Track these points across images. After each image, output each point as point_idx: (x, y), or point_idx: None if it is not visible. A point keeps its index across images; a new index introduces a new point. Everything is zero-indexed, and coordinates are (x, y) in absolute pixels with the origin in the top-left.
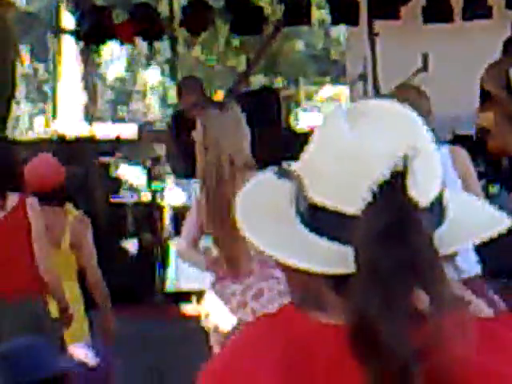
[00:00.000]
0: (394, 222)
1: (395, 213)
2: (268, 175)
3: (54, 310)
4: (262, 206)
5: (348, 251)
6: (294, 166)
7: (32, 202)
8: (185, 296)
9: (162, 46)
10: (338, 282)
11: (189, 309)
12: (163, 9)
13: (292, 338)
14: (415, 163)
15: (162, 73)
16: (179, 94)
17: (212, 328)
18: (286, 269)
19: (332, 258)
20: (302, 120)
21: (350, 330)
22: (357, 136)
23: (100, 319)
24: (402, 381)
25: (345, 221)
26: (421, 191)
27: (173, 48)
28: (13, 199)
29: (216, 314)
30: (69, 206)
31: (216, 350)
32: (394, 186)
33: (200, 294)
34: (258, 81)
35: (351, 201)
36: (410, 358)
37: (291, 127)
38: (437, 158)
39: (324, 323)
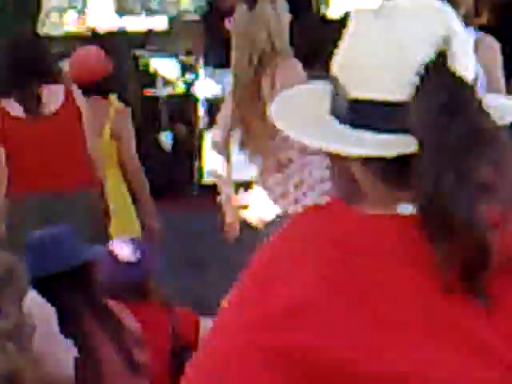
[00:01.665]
0: (449, 99)
1: (448, 90)
2: (304, 85)
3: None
4: (301, 108)
5: (399, 139)
6: (332, 72)
7: (78, 92)
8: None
9: None
10: (387, 169)
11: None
12: None
13: (341, 232)
14: (453, 44)
15: None
16: None
17: (254, 219)
18: (333, 162)
19: (381, 146)
20: (333, 5)
21: (423, 211)
22: (391, 27)
23: (141, 214)
24: (480, 255)
25: (395, 109)
26: (463, 69)
27: None
28: (58, 91)
29: (259, 204)
30: (112, 97)
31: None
32: (440, 66)
33: (238, 185)
34: None
35: (397, 89)
36: (487, 232)
37: (321, 13)
38: (470, 40)
39: (373, 214)
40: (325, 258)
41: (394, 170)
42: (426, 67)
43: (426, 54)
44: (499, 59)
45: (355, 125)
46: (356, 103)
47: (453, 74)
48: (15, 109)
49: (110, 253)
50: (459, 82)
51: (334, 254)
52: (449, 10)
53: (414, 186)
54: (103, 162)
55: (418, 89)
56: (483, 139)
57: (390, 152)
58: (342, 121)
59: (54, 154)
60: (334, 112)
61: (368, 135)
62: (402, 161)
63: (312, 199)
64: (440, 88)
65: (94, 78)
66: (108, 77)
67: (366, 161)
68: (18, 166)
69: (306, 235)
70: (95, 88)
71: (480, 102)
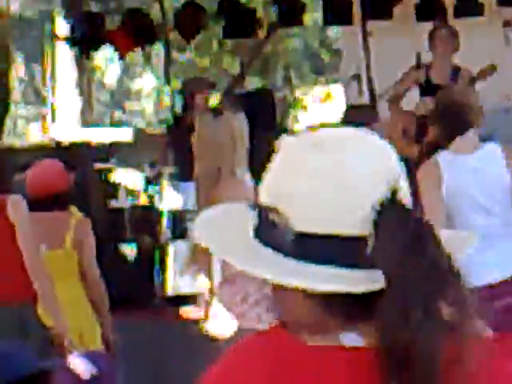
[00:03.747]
0: (411, 238)
1: (409, 227)
2: (239, 206)
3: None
4: (233, 234)
5: (348, 273)
6: (266, 200)
7: (14, 201)
8: (184, 299)
9: (156, 49)
10: (332, 302)
11: (188, 312)
12: (156, 13)
13: (281, 360)
14: (400, 180)
15: (157, 76)
16: (188, 93)
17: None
18: (280, 292)
19: (345, 281)
20: (298, 121)
21: (382, 348)
22: (340, 166)
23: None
24: None
25: (354, 244)
26: (410, 205)
27: (167, 52)
28: None
29: (218, 319)
30: (73, 209)
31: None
32: (395, 203)
33: (198, 297)
34: (252, 82)
35: (351, 224)
36: (439, 370)
37: (287, 129)
38: (404, 174)
39: (316, 345)
40: None
41: (341, 304)
42: (382, 204)
43: (380, 192)
44: None
45: (300, 258)
46: (305, 237)
47: (407, 212)
48: None
49: (67, 367)
50: (416, 218)
51: None
52: (387, 145)
53: (377, 319)
54: (51, 275)
55: (376, 225)
56: (444, 279)
57: (359, 288)
58: (283, 252)
59: None
60: (271, 242)
61: (315, 268)
62: (351, 296)
63: (257, 314)
64: (402, 225)
65: (51, 191)
66: (67, 190)
67: (308, 294)
68: None
69: (248, 367)
70: (53, 201)
71: (439, 241)
